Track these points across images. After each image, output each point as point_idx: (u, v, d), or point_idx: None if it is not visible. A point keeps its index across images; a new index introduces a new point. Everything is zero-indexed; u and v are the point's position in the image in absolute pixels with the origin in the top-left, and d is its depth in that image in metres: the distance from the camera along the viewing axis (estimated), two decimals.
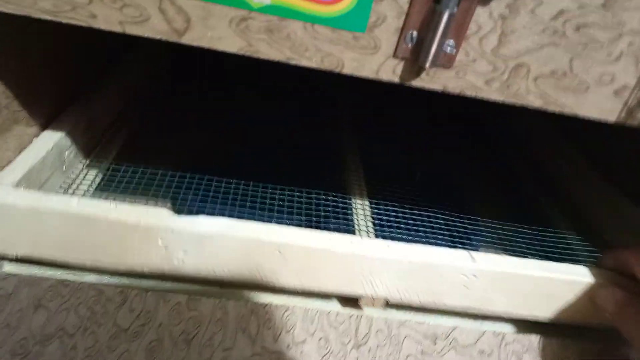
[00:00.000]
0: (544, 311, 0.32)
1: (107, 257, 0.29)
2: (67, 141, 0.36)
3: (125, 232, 0.28)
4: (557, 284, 0.31)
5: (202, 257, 0.29)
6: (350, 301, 0.32)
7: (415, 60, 0.24)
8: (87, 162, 0.39)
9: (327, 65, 0.24)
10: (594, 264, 0.34)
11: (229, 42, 0.24)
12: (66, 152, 0.36)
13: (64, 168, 0.36)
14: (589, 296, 0.31)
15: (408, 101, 0.65)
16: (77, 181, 0.37)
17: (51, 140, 0.35)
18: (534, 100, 0.26)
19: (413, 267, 0.30)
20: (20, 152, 0.32)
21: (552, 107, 0.26)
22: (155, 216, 0.28)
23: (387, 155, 0.54)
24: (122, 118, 0.47)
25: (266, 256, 0.29)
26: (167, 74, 0.60)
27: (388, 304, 0.32)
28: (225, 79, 0.63)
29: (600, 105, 0.26)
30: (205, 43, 0.24)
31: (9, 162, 0.31)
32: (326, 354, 0.30)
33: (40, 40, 0.33)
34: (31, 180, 0.32)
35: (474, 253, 0.31)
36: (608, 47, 0.24)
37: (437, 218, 0.41)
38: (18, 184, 0.30)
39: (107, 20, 0.23)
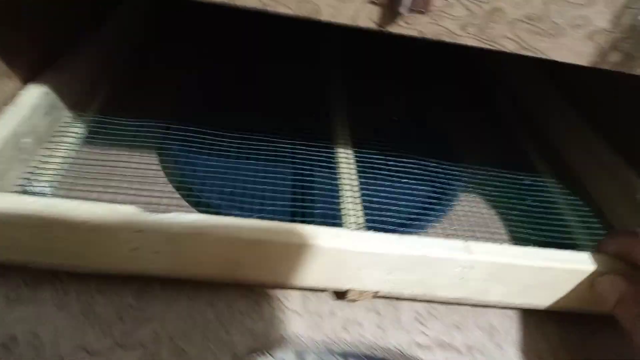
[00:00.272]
0: (543, 300, 0.31)
1: (70, 259, 0.27)
2: (53, 95, 0.36)
3: (89, 234, 0.26)
4: (556, 272, 0.30)
5: (177, 258, 0.27)
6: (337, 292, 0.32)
7: (391, 6, 0.24)
8: (73, 115, 0.39)
9: (303, 12, 0.24)
10: (592, 245, 0.34)
11: None
12: (52, 106, 0.36)
13: (50, 121, 0.37)
14: (590, 284, 0.30)
15: (401, 56, 0.64)
16: (63, 134, 0.37)
17: (37, 93, 0.35)
18: (509, 45, 0.26)
19: (404, 260, 0.28)
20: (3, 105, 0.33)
21: (527, 52, 0.26)
22: (122, 215, 0.26)
23: (374, 104, 0.55)
24: (107, 71, 0.46)
25: (246, 254, 0.27)
26: (152, 30, 0.59)
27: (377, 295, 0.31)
28: (211, 38, 0.61)
29: (574, 49, 0.27)
30: None
31: None
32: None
33: None
34: (18, 135, 0.32)
35: (470, 243, 0.29)
36: None
37: (420, 163, 0.42)
38: (6, 140, 0.31)
39: None
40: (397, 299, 0.33)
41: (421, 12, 0.24)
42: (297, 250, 0.27)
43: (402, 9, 0.24)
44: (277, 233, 0.27)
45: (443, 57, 0.65)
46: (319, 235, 0.28)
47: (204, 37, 0.61)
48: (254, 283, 0.31)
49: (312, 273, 0.29)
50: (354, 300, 0.32)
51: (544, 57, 0.27)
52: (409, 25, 0.25)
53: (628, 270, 0.30)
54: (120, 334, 0.28)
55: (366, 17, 0.25)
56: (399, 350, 0.31)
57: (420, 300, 0.33)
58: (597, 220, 0.41)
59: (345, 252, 0.28)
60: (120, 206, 0.26)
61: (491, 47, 0.26)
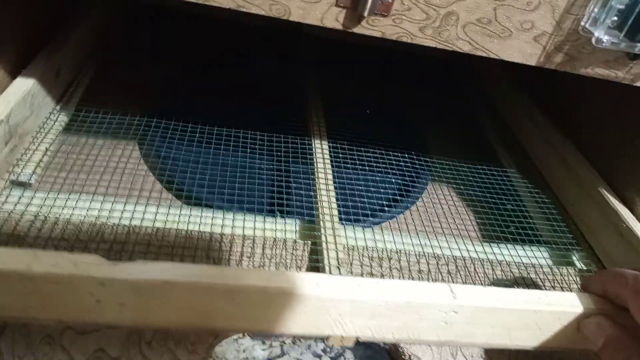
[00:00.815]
0: (529, 341, 0.30)
1: (27, 312, 0.25)
2: (37, 88, 0.38)
3: (49, 286, 0.24)
4: (542, 315, 0.29)
5: (143, 310, 0.25)
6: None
7: (355, 9, 0.26)
8: (57, 106, 0.41)
9: (274, 12, 0.27)
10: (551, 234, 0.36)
11: None
12: (37, 99, 0.38)
13: (35, 114, 0.38)
14: (576, 326, 0.29)
15: (376, 58, 0.66)
16: (47, 127, 0.39)
17: (23, 87, 0.36)
18: (462, 46, 0.29)
19: (387, 306, 0.27)
20: None
21: (480, 52, 0.29)
22: (83, 267, 0.24)
23: (349, 98, 0.57)
24: (89, 61, 0.48)
25: (218, 303, 0.26)
26: (132, 22, 0.61)
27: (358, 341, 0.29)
28: (193, 34, 0.63)
29: (522, 50, 0.29)
30: None
31: None
32: None
33: None
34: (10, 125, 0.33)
35: (454, 287, 0.28)
36: None
37: (390, 156, 0.45)
38: None
39: None
40: None
41: (383, 15, 0.27)
42: (274, 298, 0.26)
43: (365, 12, 0.26)
44: (252, 280, 0.25)
45: (417, 58, 0.67)
46: (297, 282, 0.26)
47: (186, 33, 0.62)
48: (228, 330, 0.30)
49: (289, 321, 0.27)
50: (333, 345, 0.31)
51: (495, 57, 0.29)
52: (372, 27, 0.27)
53: (614, 311, 0.29)
54: None
55: (332, 18, 0.27)
56: None
57: None
58: (557, 211, 0.44)
59: (325, 299, 0.26)
60: (82, 256, 0.24)
61: (447, 48, 0.29)
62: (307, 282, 0.26)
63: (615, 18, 0.28)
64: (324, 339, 0.30)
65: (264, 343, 0.33)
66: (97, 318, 0.25)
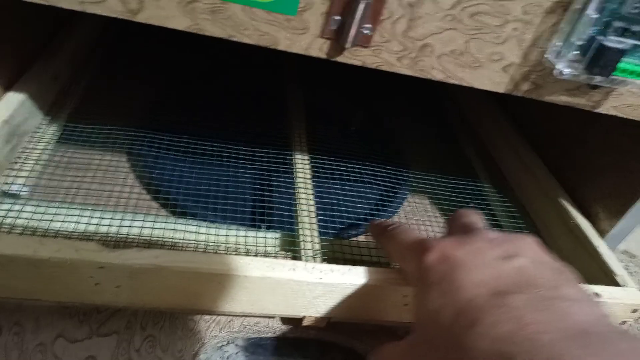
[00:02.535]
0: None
1: (33, 293, 0.28)
2: (28, 101, 0.39)
3: (52, 270, 0.27)
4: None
5: (137, 292, 0.28)
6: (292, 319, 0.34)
7: (338, 40, 0.28)
8: (47, 118, 0.42)
9: (263, 42, 0.28)
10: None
11: (177, 20, 0.27)
12: (29, 111, 0.39)
13: (26, 126, 0.39)
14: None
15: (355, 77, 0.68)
16: (38, 138, 0.40)
17: (14, 99, 0.37)
18: (437, 75, 0.31)
19: (355, 289, 0.31)
20: None
21: (453, 80, 0.31)
22: (83, 252, 0.27)
23: (329, 109, 0.59)
24: (81, 73, 0.49)
25: (205, 286, 0.29)
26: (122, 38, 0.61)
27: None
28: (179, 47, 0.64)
29: (491, 79, 0.32)
30: (156, 22, 0.27)
31: None
32: None
33: None
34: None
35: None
36: (497, 32, 0.30)
37: (371, 168, 0.47)
38: None
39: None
40: None
41: (364, 47, 0.29)
42: (256, 282, 0.29)
43: (347, 44, 0.28)
44: (235, 266, 0.29)
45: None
46: (275, 267, 0.30)
47: (172, 46, 0.63)
48: (214, 312, 0.33)
49: (269, 303, 0.31)
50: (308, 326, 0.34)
51: (467, 85, 0.32)
52: (353, 57, 0.29)
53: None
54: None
55: (317, 48, 0.29)
56: None
57: None
58: (523, 220, 0.47)
59: (301, 283, 0.30)
60: (83, 243, 0.27)
61: (422, 76, 0.31)
62: (284, 268, 0.30)
63: (576, 52, 0.31)
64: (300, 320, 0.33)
65: (248, 352, 0.34)
66: (95, 299, 0.28)
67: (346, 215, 0.42)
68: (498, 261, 0.25)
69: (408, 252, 0.29)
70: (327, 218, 0.40)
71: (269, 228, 0.39)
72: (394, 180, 0.48)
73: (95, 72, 0.52)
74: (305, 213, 0.39)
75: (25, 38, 0.42)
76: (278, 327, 0.35)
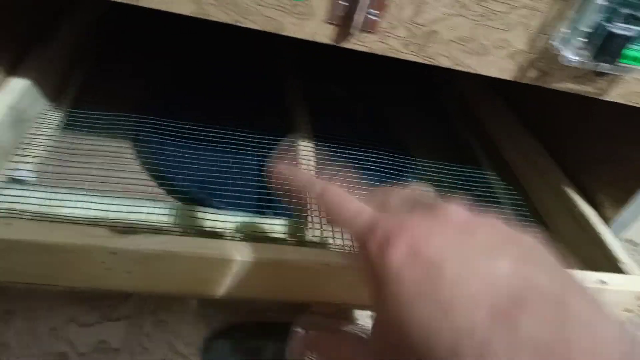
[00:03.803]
0: None
1: (46, 278, 0.28)
2: (32, 86, 0.39)
3: (65, 255, 0.27)
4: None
5: (148, 277, 0.29)
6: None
7: (345, 26, 0.28)
8: (52, 104, 0.42)
9: (269, 27, 0.28)
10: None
11: (182, 5, 0.27)
12: (33, 97, 0.39)
13: (31, 112, 0.39)
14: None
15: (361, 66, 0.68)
16: (43, 124, 0.40)
17: (19, 86, 0.37)
18: (444, 61, 0.31)
19: None
20: None
21: (460, 67, 0.31)
22: (95, 238, 0.27)
23: (334, 100, 0.59)
24: (80, 60, 0.49)
25: (213, 271, 0.29)
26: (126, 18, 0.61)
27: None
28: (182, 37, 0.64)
29: (498, 66, 0.32)
30: (161, 6, 0.27)
31: None
32: None
33: None
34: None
35: None
36: (503, 18, 0.29)
37: (375, 155, 0.47)
38: None
39: None
40: None
41: (370, 32, 0.29)
42: (263, 267, 0.29)
43: (353, 30, 0.28)
44: (243, 252, 0.29)
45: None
46: (286, 251, 0.30)
47: (175, 35, 0.63)
48: (223, 297, 0.32)
49: (279, 287, 0.31)
50: None
51: (473, 71, 0.32)
52: (360, 43, 0.29)
53: None
54: None
55: (323, 34, 0.29)
56: None
57: None
58: (527, 208, 0.47)
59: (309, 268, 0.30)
60: (94, 229, 0.28)
61: (429, 63, 0.31)
62: (289, 250, 0.30)
63: (584, 39, 0.30)
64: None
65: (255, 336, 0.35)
66: (106, 284, 0.29)
67: None
68: (482, 259, 0.19)
69: (356, 235, 0.23)
70: None
71: (275, 215, 0.39)
72: (397, 168, 0.48)
73: (97, 59, 0.52)
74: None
75: (25, 23, 0.42)
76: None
